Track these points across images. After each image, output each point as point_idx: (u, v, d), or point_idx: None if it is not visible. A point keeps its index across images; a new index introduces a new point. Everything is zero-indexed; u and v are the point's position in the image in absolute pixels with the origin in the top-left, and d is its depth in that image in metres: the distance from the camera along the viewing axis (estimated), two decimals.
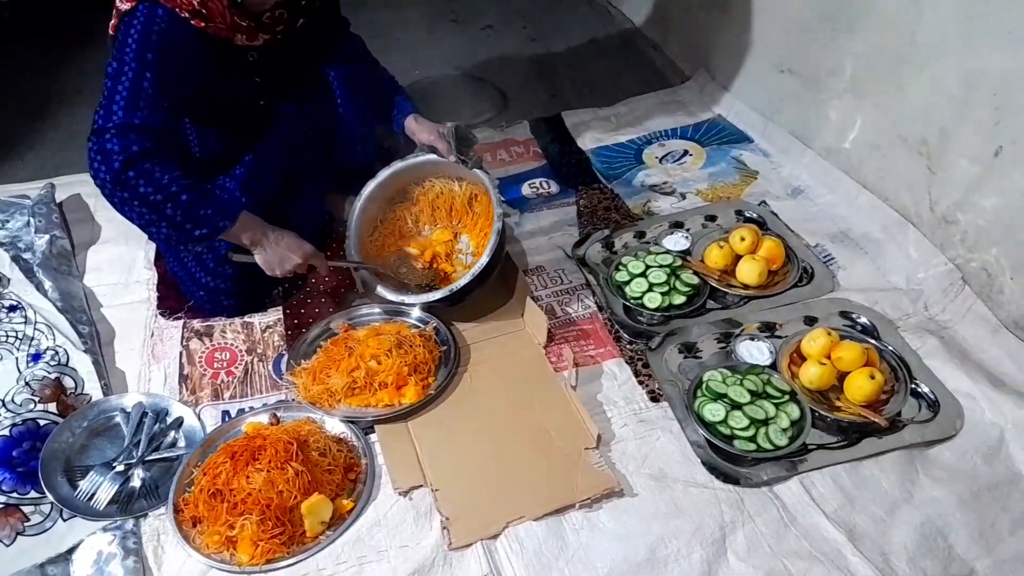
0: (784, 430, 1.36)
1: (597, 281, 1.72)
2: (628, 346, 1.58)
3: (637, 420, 1.43)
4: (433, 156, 1.64)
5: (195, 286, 1.60)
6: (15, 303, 1.51)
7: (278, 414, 1.42)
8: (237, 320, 1.61)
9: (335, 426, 1.41)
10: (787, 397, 1.41)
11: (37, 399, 1.37)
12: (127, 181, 1.28)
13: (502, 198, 1.60)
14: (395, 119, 1.67)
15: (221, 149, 1.49)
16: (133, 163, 1.27)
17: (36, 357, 1.43)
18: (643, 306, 1.63)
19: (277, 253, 1.45)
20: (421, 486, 1.31)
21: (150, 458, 1.34)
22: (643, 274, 1.68)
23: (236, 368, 1.52)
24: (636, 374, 1.52)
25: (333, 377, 1.44)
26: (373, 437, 1.40)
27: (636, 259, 1.73)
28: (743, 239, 1.71)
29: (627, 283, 1.68)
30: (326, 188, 1.76)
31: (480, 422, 1.42)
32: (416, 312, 1.61)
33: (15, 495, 1.24)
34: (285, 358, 1.54)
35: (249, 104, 1.50)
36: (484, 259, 1.53)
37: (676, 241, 1.82)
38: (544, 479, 1.31)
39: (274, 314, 1.64)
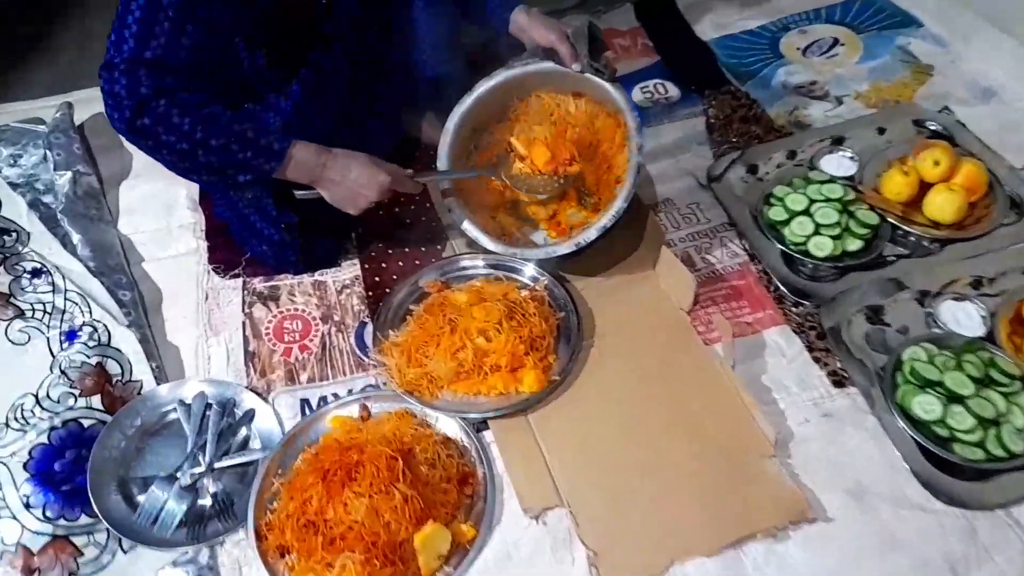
0: (1020, 431, 1.05)
1: (743, 219, 1.38)
2: (793, 309, 1.26)
3: (820, 413, 1.13)
4: (551, 64, 1.27)
5: (254, 237, 1.30)
6: (38, 265, 1.23)
7: (369, 405, 1.15)
8: (306, 279, 1.32)
9: (440, 422, 1.14)
10: (1019, 385, 1.09)
11: (77, 392, 1.12)
12: (144, 129, 0.99)
13: (641, 123, 1.23)
14: (494, 13, 1.28)
15: (273, 67, 1.14)
16: (146, 108, 0.99)
17: (71, 336, 1.17)
18: (808, 254, 1.29)
19: (347, 189, 1.14)
20: (556, 506, 1.05)
21: (220, 464, 1.09)
22: (806, 211, 1.33)
23: (311, 342, 1.24)
24: (809, 348, 1.21)
25: (434, 360, 1.16)
26: (486, 435, 1.13)
27: (793, 190, 1.37)
28: (937, 163, 1.33)
29: (785, 223, 1.34)
30: (402, 105, 1.41)
31: (618, 416, 1.13)
32: (527, 269, 1.30)
33: (63, 523, 1.01)
34: (369, 328, 1.26)
35: (304, 5, 1.14)
36: (619, 203, 1.20)
37: (839, 163, 1.45)
38: (711, 498, 1.04)
39: (350, 269, 1.34)
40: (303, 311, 1.28)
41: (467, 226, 1.28)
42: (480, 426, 1.14)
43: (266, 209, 1.25)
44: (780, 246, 1.31)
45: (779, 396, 1.15)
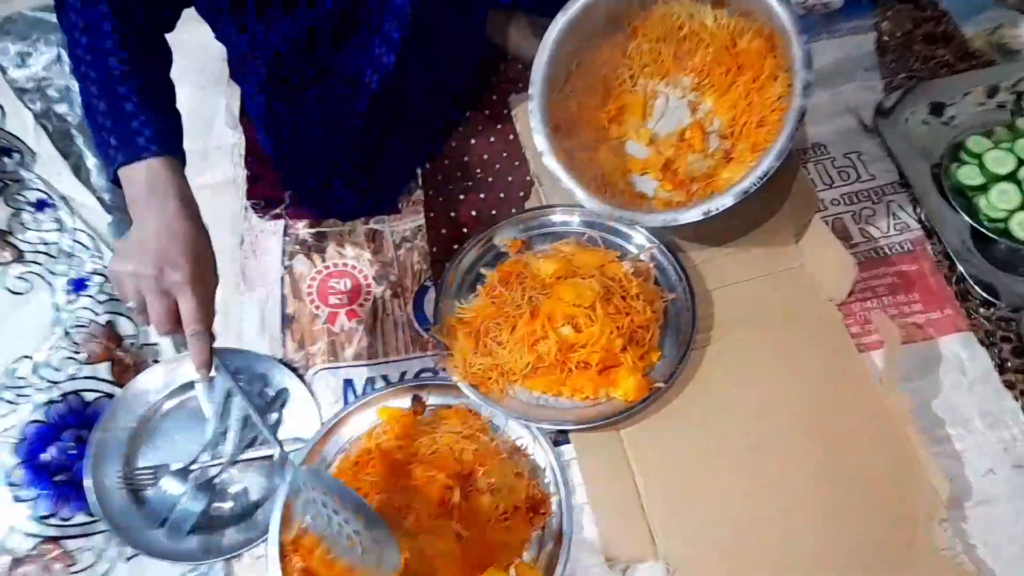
0: None
1: (920, 179, 1.05)
2: (981, 310, 0.95)
3: (1011, 462, 0.85)
4: None
5: (295, 171, 1.07)
6: (44, 196, 1.04)
7: (424, 398, 0.94)
8: (360, 226, 1.08)
9: (509, 425, 0.92)
10: None
11: (83, 357, 0.94)
12: (63, 21, 0.80)
13: (809, 49, 0.91)
14: None
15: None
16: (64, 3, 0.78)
17: (79, 285, 0.99)
18: (1009, 235, 0.97)
19: (128, 249, 0.74)
20: (649, 561, 0.82)
21: (244, 457, 0.91)
22: (1012, 176, 0.99)
23: (361, 307, 1.02)
24: (1001, 367, 0.91)
25: (506, 348, 0.92)
26: (565, 450, 0.90)
27: (994, 144, 1.02)
28: None
29: (980, 190, 1.00)
30: (487, 5, 1.11)
31: (738, 444, 0.88)
32: (632, 231, 1.03)
33: (54, 522, 0.85)
34: (431, 294, 1.02)
35: None
36: (769, 161, 0.89)
37: None
38: (857, 568, 0.79)
39: (412, 217, 1.09)
40: (353, 267, 1.05)
41: (558, 171, 1.00)
42: (558, 436, 0.91)
43: (316, 134, 1.01)
44: (970, 221, 0.99)
45: (955, 432, 0.87)
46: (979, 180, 1.01)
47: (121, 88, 0.77)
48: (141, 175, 0.75)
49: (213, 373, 0.92)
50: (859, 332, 0.95)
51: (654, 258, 1.01)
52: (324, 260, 1.05)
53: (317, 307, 1.02)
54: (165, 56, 0.85)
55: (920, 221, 1.02)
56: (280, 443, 0.79)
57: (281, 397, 0.95)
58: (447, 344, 0.95)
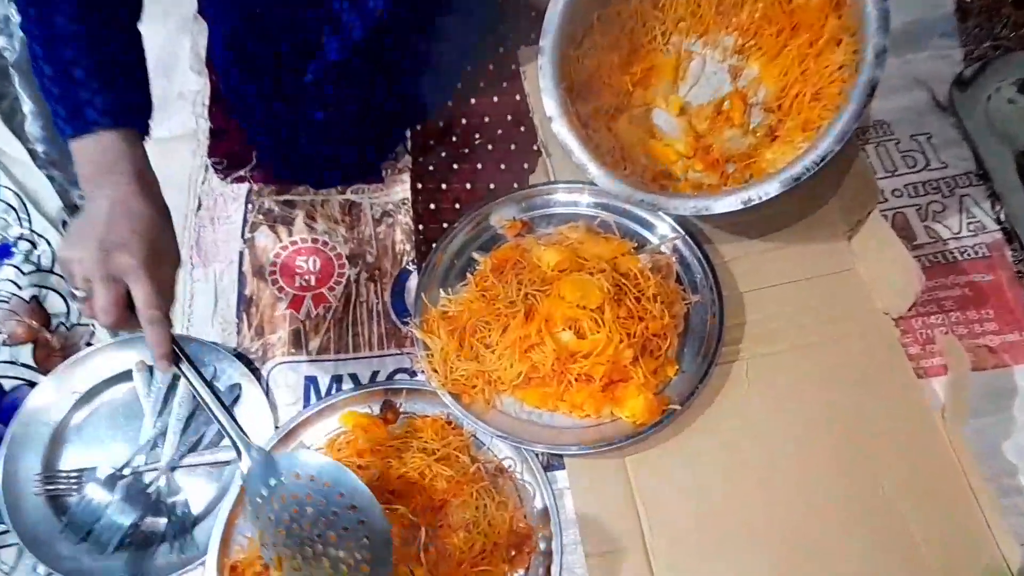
0: None
1: (1002, 170, 0.88)
2: None
3: None
4: None
5: (263, 125, 0.91)
6: None
7: (397, 404, 0.80)
8: (335, 196, 0.93)
9: (494, 445, 0.78)
10: None
11: (1, 337, 0.81)
12: None
13: (887, 9, 0.73)
14: None
15: None
16: None
17: (2, 251, 0.85)
18: None
19: (77, 231, 0.65)
20: None
21: (186, 463, 0.78)
22: None
23: (331, 292, 0.88)
24: None
25: (495, 352, 0.78)
26: (559, 476, 0.77)
27: None
28: None
29: None
30: None
31: (766, 484, 0.73)
32: (653, 218, 0.87)
33: None
34: (414, 280, 0.88)
35: None
36: (828, 144, 0.73)
37: None
38: None
39: (396, 187, 0.94)
40: (325, 244, 0.90)
41: (569, 141, 0.84)
42: (551, 459, 0.77)
43: (286, 94, 0.85)
44: None
45: None
46: None
47: (67, 51, 0.64)
48: (91, 150, 0.64)
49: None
50: (919, 353, 0.79)
51: (677, 251, 0.86)
52: (291, 234, 0.91)
53: (280, 289, 0.88)
54: (128, 5, 0.70)
55: (999, 221, 0.86)
56: (241, 428, 0.66)
57: (232, 393, 0.81)
58: (427, 342, 0.81)
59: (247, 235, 0.91)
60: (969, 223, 0.86)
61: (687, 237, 0.85)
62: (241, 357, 0.83)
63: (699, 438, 0.76)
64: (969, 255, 0.84)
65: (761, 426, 0.76)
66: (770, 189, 0.76)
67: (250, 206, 0.92)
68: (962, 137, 0.91)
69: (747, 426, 0.76)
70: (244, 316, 0.86)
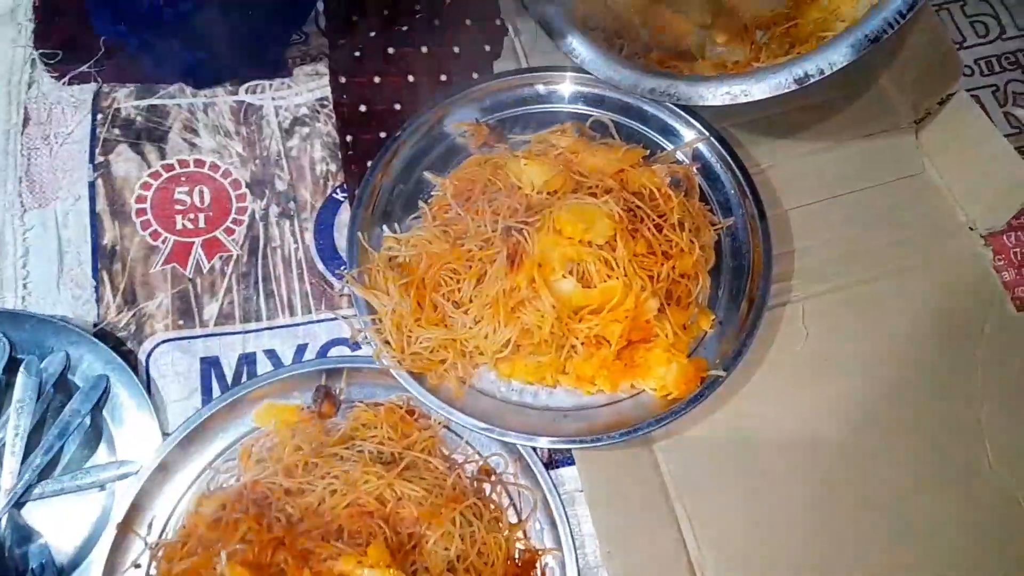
0: None
1: None
2: None
3: None
4: None
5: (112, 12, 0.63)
6: None
7: (335, 390, 0.58)
8: (222, 96, 0.66)
9: (475, 438, 0.57)
10: None
11: None
12: None
13: None
14: None
15: None
16: None
17: None
18: None
19: None
20: None
21: (40, 492, 0.55)
22: None
23: (230, 236, 0.63)
24: None
25: (469, 313, 0.56)
26: (566, 475, 0.57)
27: None
28: None
29: None
30: None
31: (855, 465, 0.55)
32: (669, 117, 0.65)
33: None
34: (343, 212, 0.64)
35: None
36: None
37: None
38: None
39: (309, 83, 0.67)
40: (214, 167, 0.64)
41: (543, 8, 0.60)
42: (555, 453, 0.57)
43: None
44: None
45: None
46: None
47: None
48: None
49: None
50: (1015, 280, 0.62)
51: (700, 157, 0.64)
52: (164, 155, 0.64)
53: (155, 234, 0.62)
54: None
55: None
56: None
57: (97, 391, 0.57)
58: (372, 302, 0.58)
59: (99, 159, 0.63)
60: None
61: (713, 139, 0.63)
62: (105, 337, 0.59)
63: (750, 411, 0.57)
64: None
65: (830, 388, 0.58)
66: (836, 58, 0.54)
67: (100, 116, 0.65)
68: None
69: (811, 390, 0.58)
70: (105, 277, 0.60)
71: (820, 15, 0.62)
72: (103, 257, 0.61)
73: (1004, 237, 0.62)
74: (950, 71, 0.65)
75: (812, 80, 0.55)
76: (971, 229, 0.62)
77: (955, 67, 0.65)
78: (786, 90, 0.56)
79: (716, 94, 0.58)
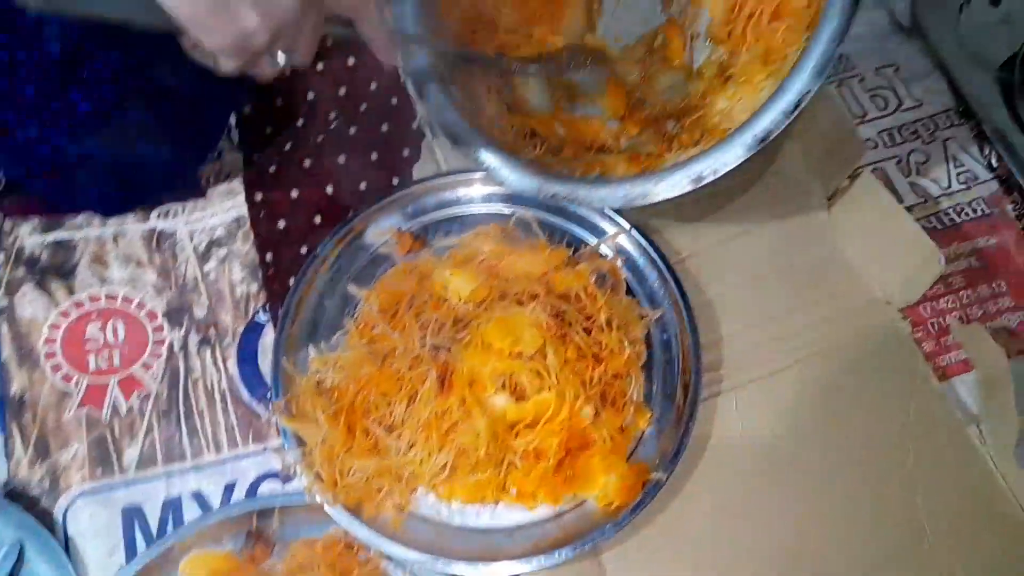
0: None
1: (986, 102, 0.72)
2: None
3: None
4: None
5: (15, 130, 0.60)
6: None
7: (268, 531, 0.55)
8: (132, 224, 0.64)
9: (420, 570, 0.55)
10: None
11: None
12: None
13: None
14: None
15: None
16: None
17: None
18: None
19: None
20: None
21: None
22: None
23: (148, 371, 0.60)
24: None
25: (403, 438, 0.54)
26: None
27: None
28: None
29: None
30: None
31: (802, 542, 0.56)
32: (592, 216, 0.65)
33: None
34: (267, 334, 0.62)
35: None
36: (804, 81, 0.53)
37: None
38: None
39: (226, 203, 0.66)
40: (127, 299, 0.62)
41: (452, 118, 0.60)
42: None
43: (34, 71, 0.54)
44: None
45: None
46: None
47: None
48: None
49: None
50: (935, 350, 0.63)
51: (623, 251, 0.65)
52: (73, 291, 0.62)
53: (67, 378, 0.59)
54: None
55: (992, 168, 0.71)
56: None
57: (7, 563, 0.53)
58: (299, 434, 0.56)
59: (2, 302, 0.61)
60: (959, 173, 0.70)
61: (633, 230, 0.64)
62: (17, 496, 0.55)
63: (695, 509, 0.57)
64: (968, 214, 0.69)
65: (770, 473, 0.58)
66: (728, 157, 0.55)
67: (2, 255, 0.62)
68: (934, 65, 0.75)
69: (751, 476, 0.58)
70: (14, 430, 0.57)
71: (726, 105, 0.64)
72: (11, 408, 0.58)
73: (920, 308, 0.64)
74: (854, 149, 0.67)
75: (707, 180, 0.56)
76: (888, 304, 0.64)
77: (858, 145, 0.68)
78: (683, 191, 0.56)
79: (615, 197, 0.58)
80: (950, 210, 0.69)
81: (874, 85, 0.74)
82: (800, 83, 0.54)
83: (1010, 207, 0.69)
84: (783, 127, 0.54)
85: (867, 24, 0.77)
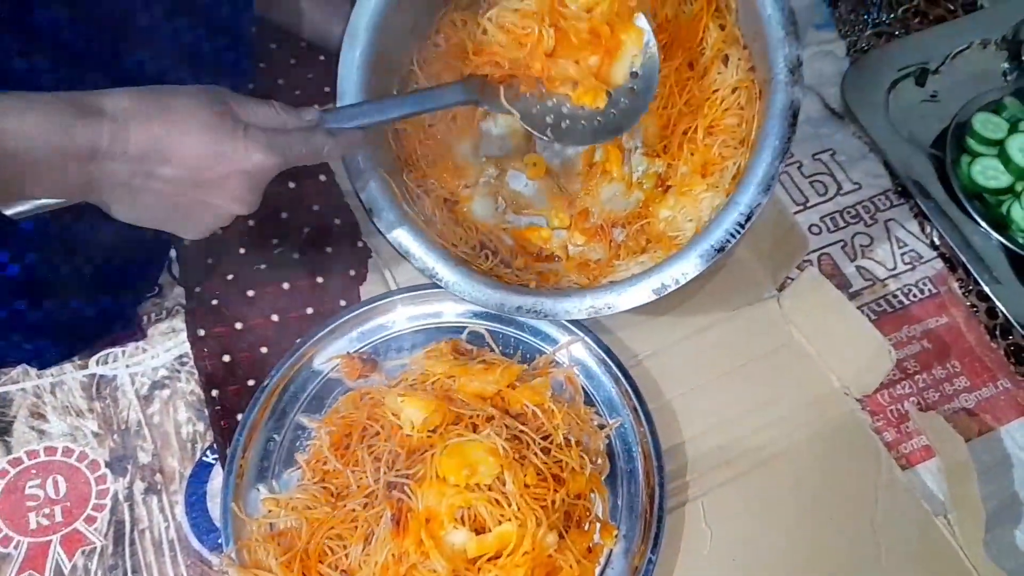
0: None
1: (922, 181, 0.74)
2: None
3: None
4: None
5: None
6: None
7: None
8: (70, 373, 0.62)
9: None
10: None
11: None
12: None
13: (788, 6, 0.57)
14: None
15: None
16: None
17: None
18: None
19: (176, 198, 0.45)
20: None
21: None
22: None
23: (92, 526, 0.58)
24: None
25: None
26: None
27: (1007, 120, 0.73)
28: None
29: (1006, 192, 0.71)
30: None
31: None
32: (544, 324, 0.65)
33: None
34: (217, 475, 0.60)
35: None
36: (751, 195, 0.54)
37: None
38: None
39: (167, 343, 0.64)
40: (68, 452, 0.60)
41: (402, 238, 0.60)
42: None
43: None
44: (999, 237, 0.69)
45: None
46: (1004, 180, 0.71)
47: None
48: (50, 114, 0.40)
49: None
50: (896, 439, 0.63)
51: (576, 359, 0.64)
52: (10, 450, 0.59)
53: (5, 540, 0.56)
54: None
55: (934, 246, 0.72)
56: None
57: None
58: None
59: None
60: (903, 253, 0.71)
61: (588, 337, 0.64)
62: None
63: None
64: (916, 295, 0.69)
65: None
66: (687, 268, 0.56)
67: None
68: (868, 147, 0.77)
69: None
70: None
71: (669, 213, 0.64)
72: None
73: (878, 396, 0.64)
74: (797, 240, 0.68)
75: (669, 290, 0.56)
76: (846, 394, 0.63)
77: (801, 237, 0.69)
78: (647, 301, 0.56)
79: (580, 309, 0.58)
80: (898, 292, 0.69)
81: (813, 171, 0.76)
82: (748, 197, 0.56)
83: (956, 284, 0.70)
84: (738, 238, 0.55)
85: (801, 111, 0.78)
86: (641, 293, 0.57)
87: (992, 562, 0.56)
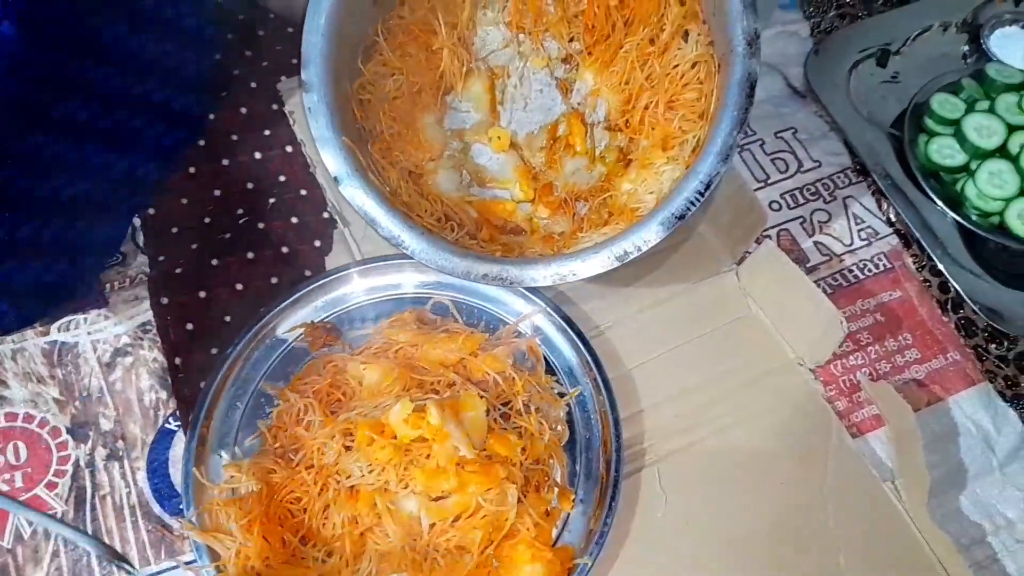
0: None
1: (881, 160, 0.75)
2: (992, 347, 0.68)
3: None
4: None
5: None
6: None
7: None
8: (32, 338, 0.62)
9: None
10: None
11: None
12: None
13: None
14: None
15: None
16: None
17: None
18: (1011, 234, 0.70)
19: None
20: None
21: None
22: (1001, 149, 0.72)
23: (53, 491, 0.58)
24: None
25: (318, 543, 0.53)
26: None
27: (965, 101, 0.75)
28: None
29: (961, 171, 0.73)
30: None
31: None
32: (506, 295, 0.66)
33: None
34: (180, 441, 0.60)
35: None
36: (710, 164, 0.56)
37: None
38: None
39: (130, 310, 0.64)
40: (28, 418, 0.60)
41: (368, 206, 0.60)
42: None
43: None
44: (953, 215, 0.71)
45: (999, 543, 0.61)
46: (960, 159, 0.73)
47: None
48: None
49: None
50: (848, 407, 0.65)
51: (539, 329, 0.65)
52: None
53: None
54: None
55: (890, 223, 0.73)
56: None
57: None
58: (213, 547, 0.54)
59: None
60: (860, 230, 0.73)
61: (549, 309, 0.64)
62: None
63: None
64: (870, 270, 0.71)
65: (694, 546, 0.58)
66: (649, 236, 0.57)
67: None
68: (829, 126, 0.78)
69: (678, 550, 0.58)
70: None
71: (631, 186, 0.65)
72: None
73: (831, 367, 0.66)
74: (757, 216, 0.69)
75: (631, 257, 0.57)
76: (800, 364, 0.65)
77: (760, 212, 0.70)
78: (609, 268, 0.57)
79: (546, 275, 0.59)
80: (854, 267, 0.71)
81: (774, 149, 0.77)
82: (707, 166, 0.57)
83: (910, 260, 0.71)
84: (698, 206, 0.56)
85: (764, 90, 0.80)
86: (604, 260, 0.58)
87: (936, 526, 0.58)
